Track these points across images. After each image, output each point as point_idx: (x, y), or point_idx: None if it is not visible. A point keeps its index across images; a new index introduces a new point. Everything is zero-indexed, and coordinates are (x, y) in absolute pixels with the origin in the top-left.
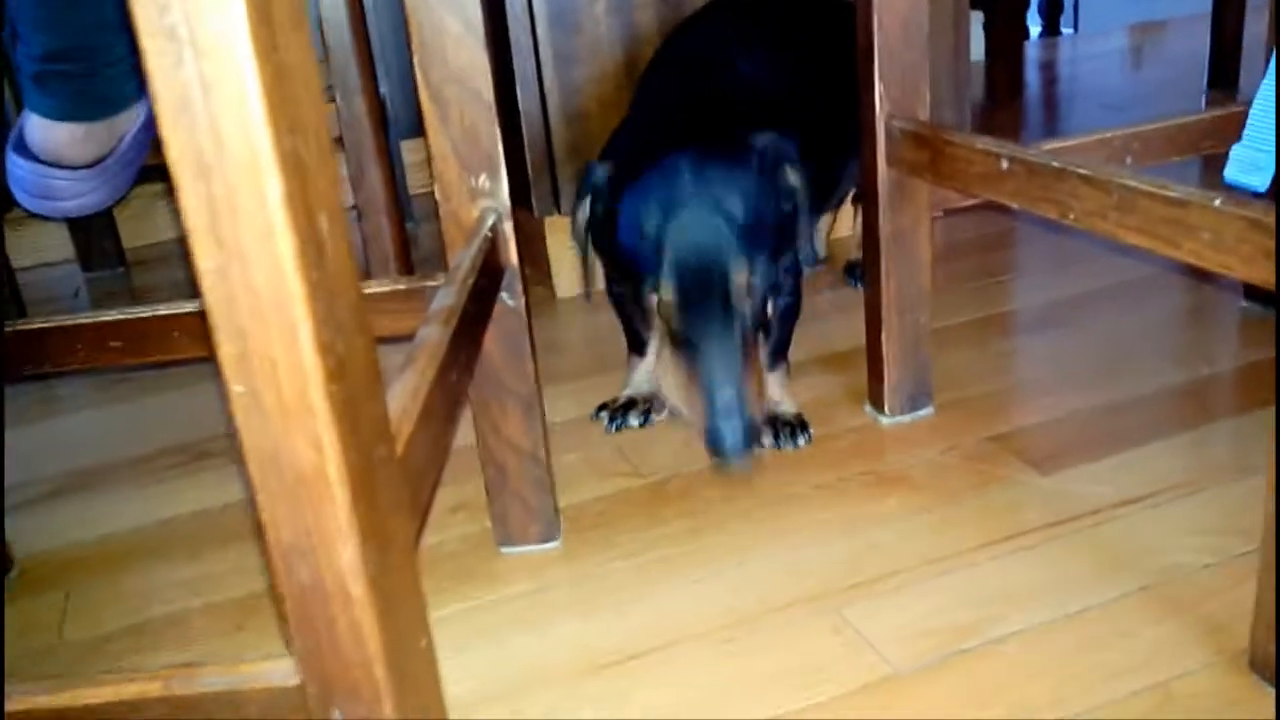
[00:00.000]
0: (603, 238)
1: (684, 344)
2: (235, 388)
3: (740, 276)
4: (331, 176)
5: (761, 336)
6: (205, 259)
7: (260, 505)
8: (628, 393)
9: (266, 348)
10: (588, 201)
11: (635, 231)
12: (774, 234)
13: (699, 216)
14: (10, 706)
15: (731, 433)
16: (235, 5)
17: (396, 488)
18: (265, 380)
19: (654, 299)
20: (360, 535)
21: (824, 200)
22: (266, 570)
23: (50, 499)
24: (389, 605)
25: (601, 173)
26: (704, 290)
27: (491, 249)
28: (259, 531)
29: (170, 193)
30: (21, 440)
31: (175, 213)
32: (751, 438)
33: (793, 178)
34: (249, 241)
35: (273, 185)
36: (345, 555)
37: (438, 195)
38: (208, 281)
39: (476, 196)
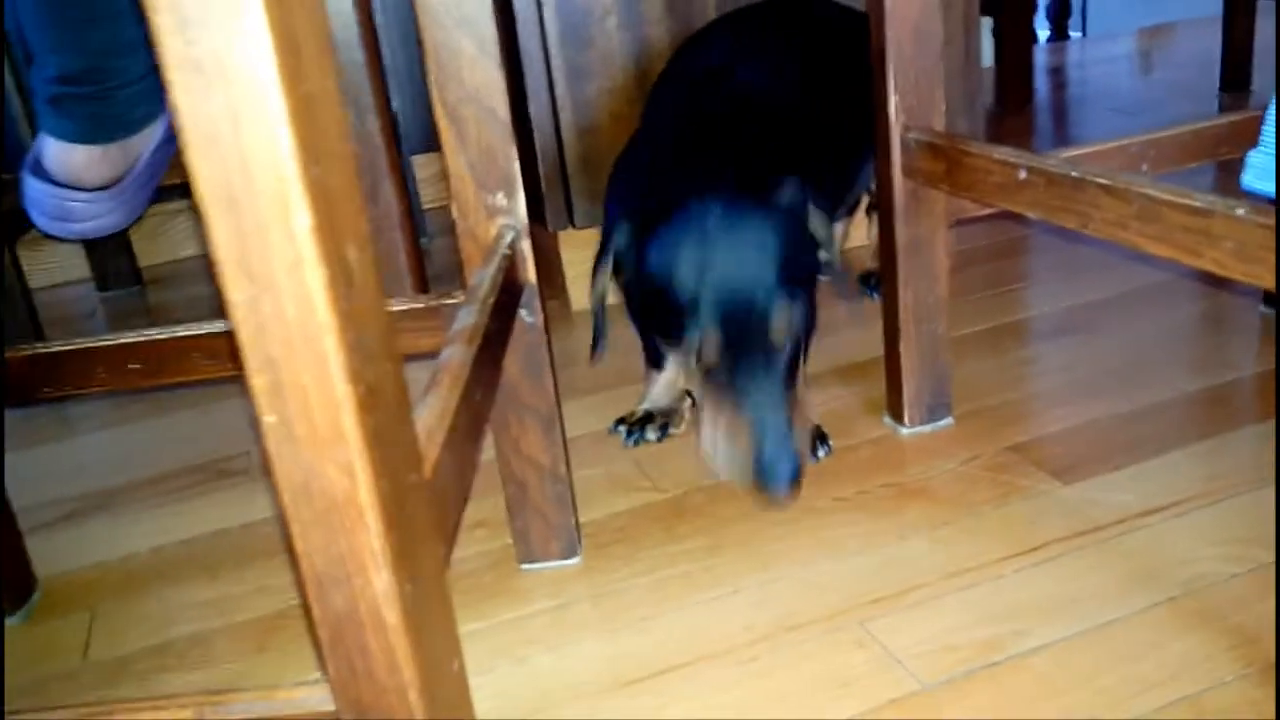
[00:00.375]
0: (632, 295)
1: (726, 389)
2: (267, 418)
3: (781, 318)
4: (358, 204)
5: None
6: (236, 291)
7: (293, 534)
8: (645, 406)
9: (298, 378)
10: (609, 265)
11: (668, 285)
12: (806, 277)
13: (736, 261)
14: None
15: (785, 462)
16: (261, 35)
17: (426, 512)
18: (297, 410)
19: (692, 356)
20: (393, 562)
21: (837, 205)
22: (289, 591)
23: (70, 520)
24: (422, 631)
25: (623, 236)
26: (747, 334)
27: (510, 266)
28: (291, 556)
29: (190, 210)
30: (39, 462)
31: (191, 230)
32: (799, 473)
33: (816, 223)
34: (279, 273)
35: (301, 217)
36: (379, 583)
37: (455, 214)
38: (239, 314)
39: (494, 214)
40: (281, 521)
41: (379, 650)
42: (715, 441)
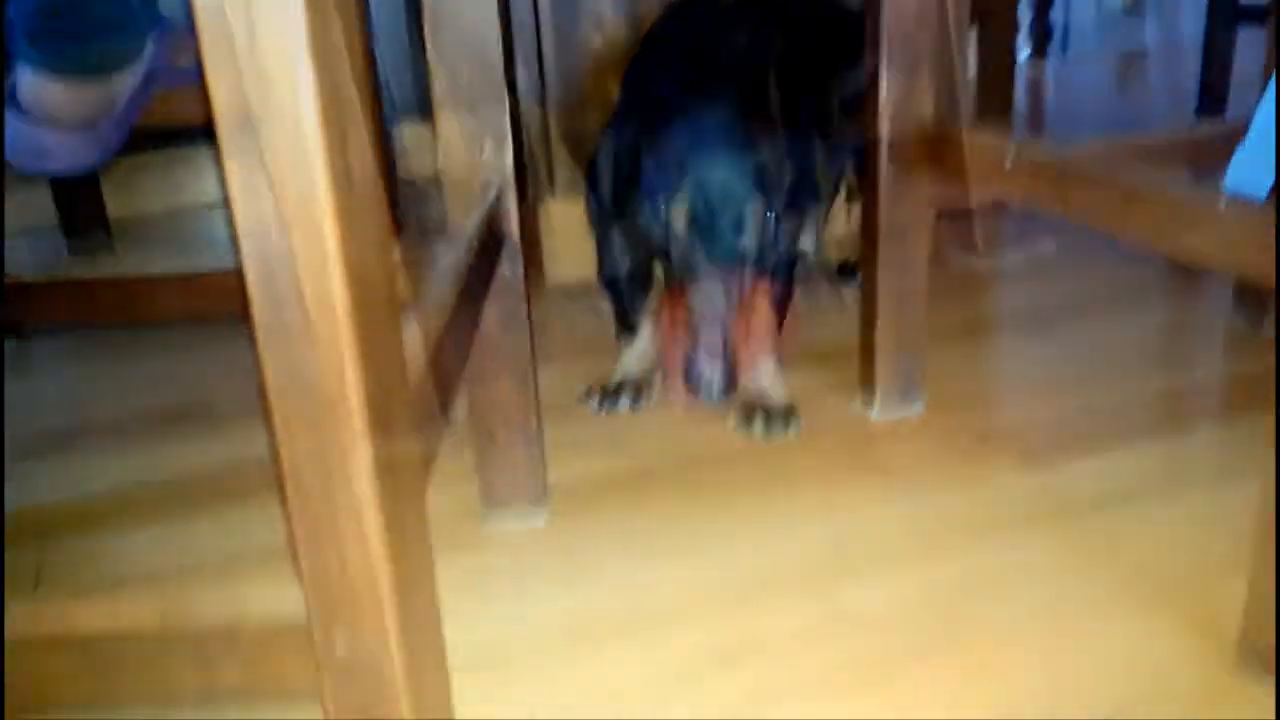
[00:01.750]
0: (623, 172)
1: (683, 277)
2: (259, 310)
3: (755, 212)
4: (362, 101)
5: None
6: (234, 174)
7: (277, 429)
8: (618, 376)
9: (294, 271)
10: (610, 164)
11: (660, 153)
12: (792, 187)
13: (725, 149)
14: None
15: (711, 373)
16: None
17: (409, 423)
18: (291, 305)
19: (663, 230)
20: (375, 461)
21: (814, 190)
22: (243, 534)
23: (26, 458)
24: (400, 541)
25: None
26: (716, 217)
27: (494, 217)
28: (274, 462)
29: (163, 163)
30: None
31: (161, 183)
32: (729, 382)
33: (817, 143)
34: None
35: (306, 80)
36: (361, 481)
37: (440, 161)
38: (235, 191)
39: (481, 164)
40: (266, 420)
41: (357, 554)
42: (661, 338)
